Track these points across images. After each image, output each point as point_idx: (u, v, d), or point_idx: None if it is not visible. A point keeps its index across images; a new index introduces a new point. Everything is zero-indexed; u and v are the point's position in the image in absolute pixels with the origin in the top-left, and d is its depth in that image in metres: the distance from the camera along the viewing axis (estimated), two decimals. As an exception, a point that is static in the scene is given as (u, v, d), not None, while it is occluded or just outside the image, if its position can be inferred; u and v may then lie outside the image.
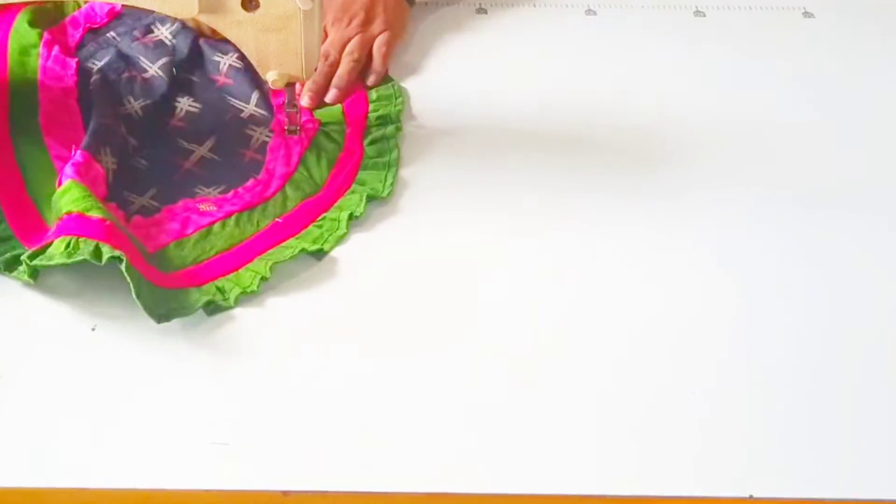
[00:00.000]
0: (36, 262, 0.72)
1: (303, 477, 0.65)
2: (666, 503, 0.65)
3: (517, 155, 0.88)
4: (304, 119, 0.88)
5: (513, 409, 0.69)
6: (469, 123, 0.91)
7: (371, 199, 0.82)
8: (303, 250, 0.77)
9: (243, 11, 0.77)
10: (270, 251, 0.78)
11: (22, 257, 0.73)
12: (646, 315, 0.76)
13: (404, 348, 0.73)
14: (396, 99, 0.92)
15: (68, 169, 0.77)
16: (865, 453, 0.68)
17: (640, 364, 0.72)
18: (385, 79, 0.95)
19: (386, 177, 0.85)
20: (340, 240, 0.79)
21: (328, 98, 0.92)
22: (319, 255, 0.78)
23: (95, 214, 0.73)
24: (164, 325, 0.72)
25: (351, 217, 0.80)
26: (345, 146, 0.87)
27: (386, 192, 0.83)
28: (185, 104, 0.89)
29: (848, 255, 0.81)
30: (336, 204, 0.82)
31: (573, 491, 0.65)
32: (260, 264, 0.76)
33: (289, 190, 0.82)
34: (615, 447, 0.67)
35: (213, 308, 0.73)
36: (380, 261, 0.79)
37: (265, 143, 0.87)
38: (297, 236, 0.79)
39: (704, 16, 1.07)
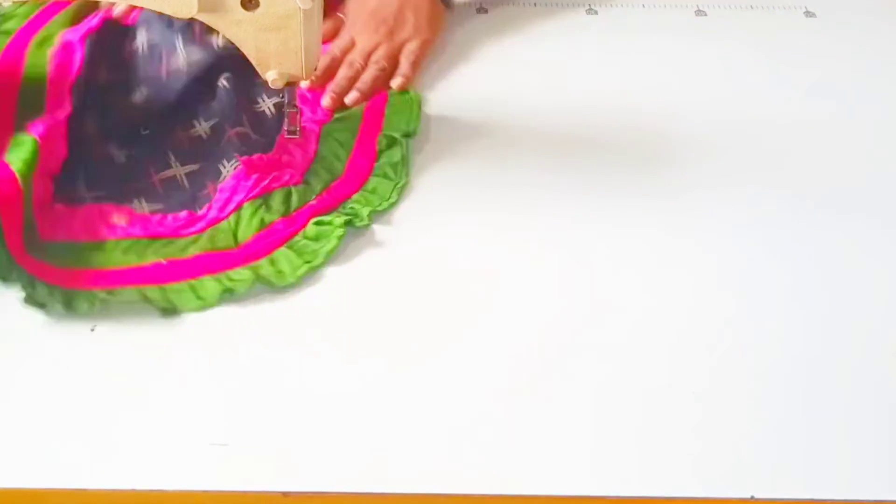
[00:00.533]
0: None
1: (303, 477, 0.64)
2: (667, 503, 0.65)
3: (516, 154, 0.88)
4: (304, 119, 0.88)
5: (513, 409, 0.69)
6: (468, 123, 0.91)
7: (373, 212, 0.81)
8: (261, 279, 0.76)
9: (243, 11, 0.77)
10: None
11: None
12: (646, 315, 0.76)
13: (404, 349, 0.72)
14: (413, 113, 0.91)
15: (39, 127, 0.78)
16: (865, 454, 0.68)
17: (641, 364, 0.72)
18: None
19: (392, 192, 0.83)
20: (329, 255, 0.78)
21: (348, 100, 0.90)
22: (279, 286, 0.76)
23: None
24: (164, 325, 0.73)
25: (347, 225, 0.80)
26: (354, 148, 0.87)
27: (386, 205, 0.82)
28: (203, 127, 0.87)
29: (849, 255, 0.81)
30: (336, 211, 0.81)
31: (573, 491, 0.65)
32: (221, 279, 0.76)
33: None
34: (615, 447, 0.67)
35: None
36: (380, 261, 0.79)
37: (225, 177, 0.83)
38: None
39: (706, 15, 1.07)
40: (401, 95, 0.92)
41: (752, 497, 0.65)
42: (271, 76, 0.81)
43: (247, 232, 0.79)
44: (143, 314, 0.73)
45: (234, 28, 0.79)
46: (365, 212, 0.81)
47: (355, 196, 0.83)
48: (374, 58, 0.94)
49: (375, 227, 0.81)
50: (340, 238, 0.78)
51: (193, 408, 0.68)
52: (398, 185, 0.84)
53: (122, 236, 0.78)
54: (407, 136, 0.88)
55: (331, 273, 0.77)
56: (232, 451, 0.66)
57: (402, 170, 0.85)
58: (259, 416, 0.68)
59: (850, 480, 0.66)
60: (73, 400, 0.68)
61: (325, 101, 0.90)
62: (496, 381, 0.71)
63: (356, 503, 0.64)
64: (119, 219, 0.79)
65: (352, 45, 0.96)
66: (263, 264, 0.77)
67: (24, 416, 0.67)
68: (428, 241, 0.81)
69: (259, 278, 0.75)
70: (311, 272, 0.76)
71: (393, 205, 0.82)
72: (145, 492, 0.63)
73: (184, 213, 0.80)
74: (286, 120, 0.86)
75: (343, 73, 0.92)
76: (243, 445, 0.66)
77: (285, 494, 0.64)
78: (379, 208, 0.82)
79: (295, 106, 0.86)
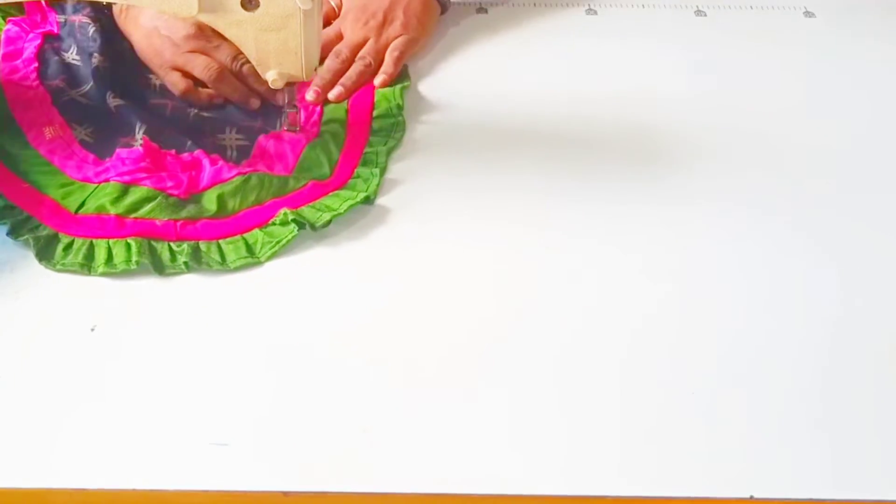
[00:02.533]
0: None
1: (303, 477, 0.64)
2: (667, 503, 0.65)
3: (516, 154, 0.88)
4: (304, 119, 0.88)
5: (513, 409, 0.69)
6: (467, 123, 0.91)
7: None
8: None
9: (243, 11, 0.77)
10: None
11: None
12: (646, 316, 0.76)
13: (404, 349, 0.72)
14: (397, 105, 0.91)
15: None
16: (866, 453, 0.68)
17: (641, 365, 0.72)
18: (399, 79, 0.94)
19: (369, 185, 0.83)
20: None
21: (331, 95, 0.90)
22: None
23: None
24: (163, 324, 0.73)
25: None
26: (344, 147, 0.87)
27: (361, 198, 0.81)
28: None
29: (849, 255, 0.81)
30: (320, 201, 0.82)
31: (573, 491, 0.65)
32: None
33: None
34: (616, 448, 0.67)
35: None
36: (379, 261, 0.79)
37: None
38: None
39: (705, 15, 1.07)
40: (385, 95, 0.92)
41: (752, 497, 0.65)
42: (271, 76, 0.81)
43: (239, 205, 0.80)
44: (143, 312, 0.74)
45: (234, 28, 0.79)
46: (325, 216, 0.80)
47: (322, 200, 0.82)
48: (360, 53, 0.94)
49: (374, 227, 0.81)
50: (289, 241, 0.78)
51: (193, 408, 0.68)
52: (364, 195, 0.82)
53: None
54: (390, 150, 0.87)
55: (330, 273, 0.77)
56: (232, 451, 0.66)
57: (375, 180, 0.84)
58: (259, 416, 0.68)
59: (851, 480, 0.66)
60: (73, 400, 0.68)
61: (309, 95, 0.89)
62: (496, 382, 0.71)
63: (356, 503, 0.64)
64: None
65: (338, 37, 0.96)
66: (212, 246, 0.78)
67: (23, 416, 0.67)
68: (428, 241, 0.80)
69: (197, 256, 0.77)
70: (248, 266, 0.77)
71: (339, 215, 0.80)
72: (145, 492, 0.63)
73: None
74: (286, 120, 0.86)
75: (328, 66, 0.92)
76: (243, 445, 0.66)
77: (285, 494, 0.64)
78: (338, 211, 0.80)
79: (295, 106, 0.86)
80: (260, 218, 0.79)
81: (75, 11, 0.92)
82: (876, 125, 0.94)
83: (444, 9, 1.02)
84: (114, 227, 0.78)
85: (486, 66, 0.98)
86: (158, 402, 0.68)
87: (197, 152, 0.83)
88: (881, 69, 1.01)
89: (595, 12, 1.06)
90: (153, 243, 0.77)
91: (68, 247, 0.76)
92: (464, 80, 0.96)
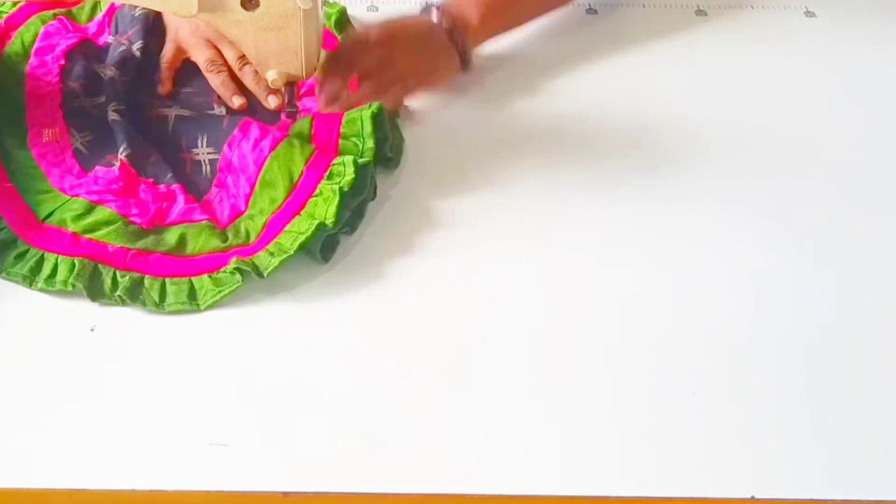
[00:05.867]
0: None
1: (303, 477, 0.64)
2: (667, 503, 0.65)
3: (514, 154, 0.88)
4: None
5: (513, 409, 0.69)
6: (467, 123, 0.91)
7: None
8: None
9: (243, 10, 0.77)
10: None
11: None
12: (646, 316, 0.76)
13: (404, 349, 0.72)
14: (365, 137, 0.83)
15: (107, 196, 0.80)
16: (866, 453, 0.68)
17: (641, 365, 0.72)
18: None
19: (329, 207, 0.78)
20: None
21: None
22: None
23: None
24: (163, 325, 0.73)
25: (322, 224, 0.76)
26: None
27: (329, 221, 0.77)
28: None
29: (850, 256, 0.81)
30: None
31: (573, 491, 0.65)
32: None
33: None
34: (616, 448, 0.67)
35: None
36: (379, 261, 0.79)
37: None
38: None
39: (706, 15, 1.07)
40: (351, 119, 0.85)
41: (753, 497, 0.65)
42: (271, 76, 0.81)
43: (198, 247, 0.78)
44: (143, 312, 0.74)
45: (235, 28, 0.78)
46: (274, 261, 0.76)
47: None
48: (373, 83, 0.89)
49: (374, 227, 0.81)
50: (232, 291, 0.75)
51: (193, 408, 0.68)
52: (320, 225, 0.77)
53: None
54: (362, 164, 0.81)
55: (330, 273, 0.77)
56: (232, 451, 0.66)
57: (334, 202, 0.77)
58: (259, 416, 0.68)
59: (850, 480, 0.66)
60: (73, 400, 0.68)
61: (322, 104, 0.86)
62: (496, 383, 0.71)
63: (356, 503, 0.64)
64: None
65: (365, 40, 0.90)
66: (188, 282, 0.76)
67: (24, 417, 0.67)
68: (429, 240, 0.80)
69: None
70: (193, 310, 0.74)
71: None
72: (145, 492, 0.63)
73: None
74: (286, 119, 0.86)
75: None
76: (243, 445, 0.66)
77: (285, 494, 0.64)
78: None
79: (294, 106, 0.86)
80: (215, 264, 0.77)
81: (122, 31, 0.92)
82: (875, 125, 0.94)
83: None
84: (68, 243, 0.77)
85: (486, 65, 0.98)
86: (158, 403, 0.68)
87: (175, 186, 0.81)
88: (881, 69, 1.01)
89: (595, 12, 1.06)
90: (100, 267, 0.75)
91: (21, 255, 0.76)
92: (462, 79, 0.96)
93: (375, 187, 0.82)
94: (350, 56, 0.89)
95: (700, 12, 1.07)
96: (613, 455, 0.67)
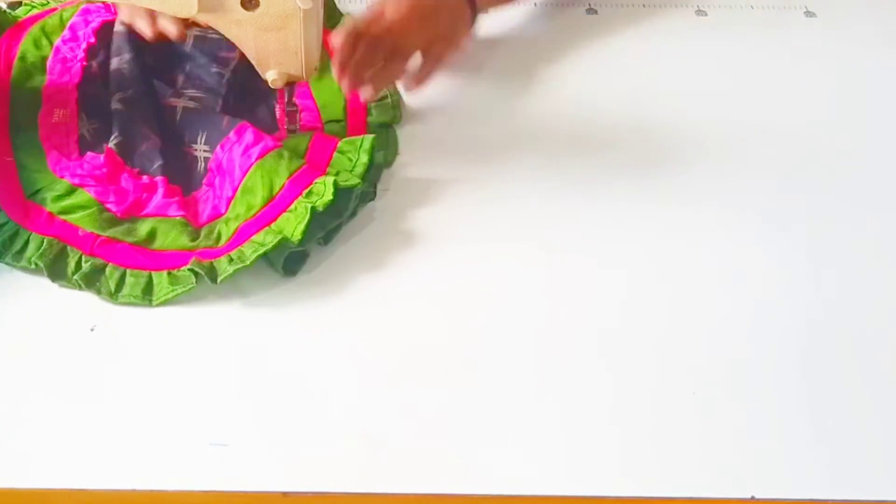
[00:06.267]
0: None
1: (303, 477, 0.64)
2: (667, 503, 0.65)
3: (514, 154, 0.88)
4: (303, 119, 0.88)
5: (513, 410, 0.69)
6: (467, 123, 0.91)
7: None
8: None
9: (243, 10, 0.77)
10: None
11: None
12: (646, 316, 0.76)
13: (404, 349, 0.72)
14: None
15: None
16: (866, 453, 0.68)
17: (641, 365, 0.72)
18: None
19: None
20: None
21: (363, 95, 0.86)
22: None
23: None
24: (162, 325, 0.73)
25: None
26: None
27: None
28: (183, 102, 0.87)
29: (850, 256, 0.81)
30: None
31: (573, 491, 0.65)
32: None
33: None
34: (616, 448, 0.67)
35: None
36: (379, 261, 0.79)
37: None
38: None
39: (706, 15, 1.07)
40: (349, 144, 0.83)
41: (753, 497, 0.65)
42: (271, 76, 0.81)
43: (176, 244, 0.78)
44: (143, 312, 0.74)
45: (235, 28, 0.78)
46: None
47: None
48: (402, 63, 0.88)
49: (374, 227, 0.81)
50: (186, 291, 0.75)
51: (193, 408, 0.68)
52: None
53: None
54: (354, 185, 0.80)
55: (330, 274, 0.77)
56: (232, 451, 0.66)
57: (304, 220, 0.76)
58: (259, 416, 0.68)
59: (850, 480, 0.66)
60: (73, 400, 0.68)
61: (344, 85, 0.85)
62: (496, 383, 0.71)
63: (356, 503, 0.64)
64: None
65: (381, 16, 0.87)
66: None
67: (24, 416, 0.67)
68: (427, 240, 0.80)
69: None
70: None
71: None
72: (145, 492, 0.63)
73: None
74: (286, 119, 0.86)
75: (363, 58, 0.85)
76: (243, 445, 0.66)
77: (285, 494, 0.64)
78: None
79: (294, 105, 0.86)
80: (178, 262, 0.76)
81: None
82: (876, 125, 0.94)
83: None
84: (44, 222, 0.78)
85: (486, 65, 0.98)
86: (158, 403, 0.68)
87: (158, 178, 0.81)
88: (881, 69, 1.01)
89: (595, 12, 1.06)
90: (67, 249, 0.76)
91: None
92: (462, 79, 0.96)
93: (375, 190, 0.82)
94: (367, 39, 0.86)
95: (700, 12, 1.07)
96: (613, 455, 0.67)
